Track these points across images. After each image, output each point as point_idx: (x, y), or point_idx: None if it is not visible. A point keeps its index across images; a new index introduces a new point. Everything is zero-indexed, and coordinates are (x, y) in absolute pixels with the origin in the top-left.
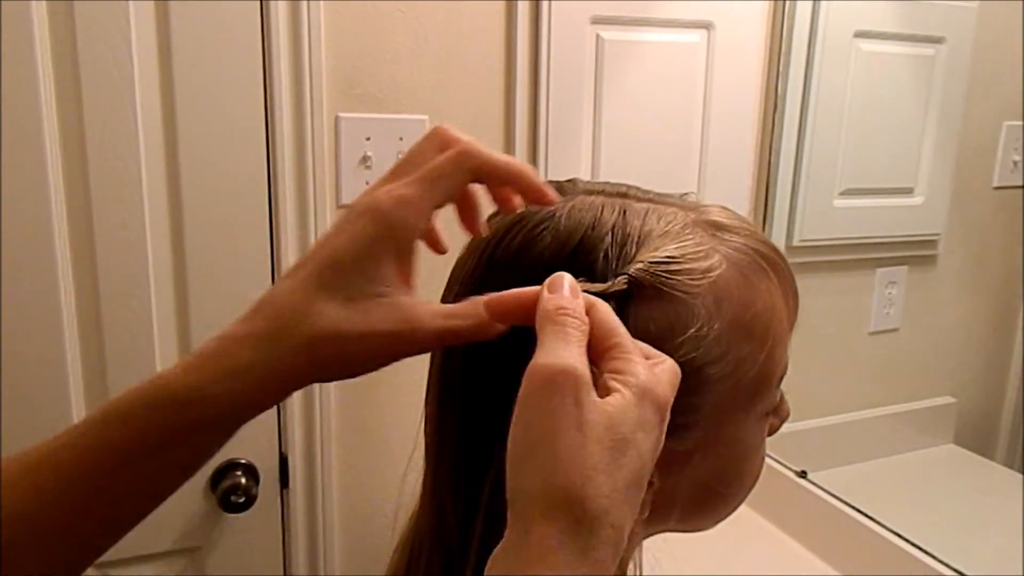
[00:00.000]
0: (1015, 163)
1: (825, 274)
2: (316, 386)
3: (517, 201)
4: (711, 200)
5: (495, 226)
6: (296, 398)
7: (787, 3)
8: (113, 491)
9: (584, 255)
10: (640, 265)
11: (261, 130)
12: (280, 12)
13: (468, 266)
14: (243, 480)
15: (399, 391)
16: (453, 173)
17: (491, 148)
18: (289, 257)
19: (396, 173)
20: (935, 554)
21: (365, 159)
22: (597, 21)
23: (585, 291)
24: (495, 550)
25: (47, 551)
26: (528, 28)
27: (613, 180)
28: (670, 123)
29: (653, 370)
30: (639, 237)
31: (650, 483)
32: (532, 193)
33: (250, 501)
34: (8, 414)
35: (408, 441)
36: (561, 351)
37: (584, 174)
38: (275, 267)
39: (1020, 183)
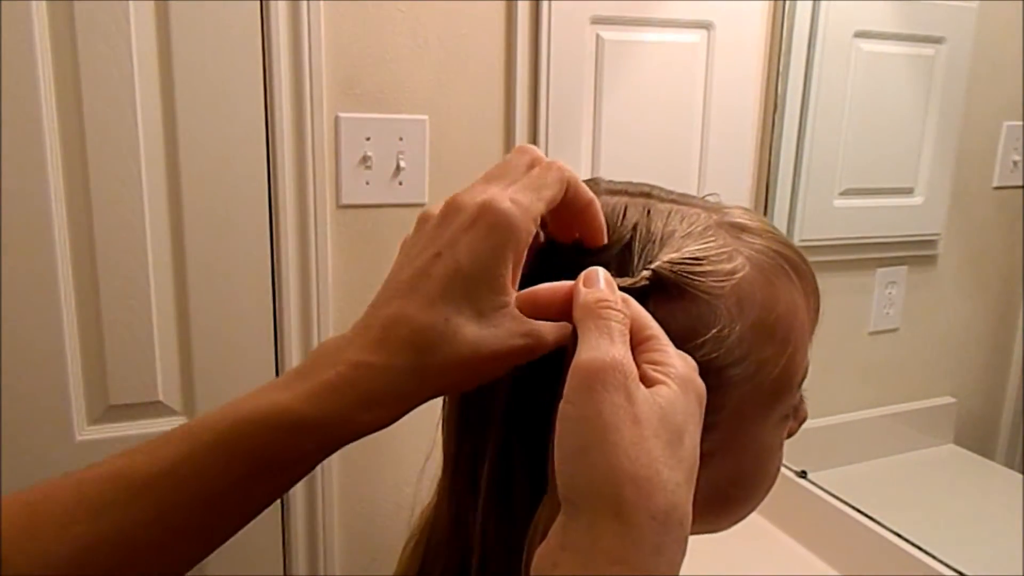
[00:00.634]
0: (1015, 163)
1: (825, 274)
2: None
3: (573, 235)
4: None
5: None
6: None
7: (787, 3)
8: (223, 511)
9: (607, 254)
10: (664, 263)
11: (261, 130)
12: (280, 12)
13: None
14: None
15: None
16: (553, 184)
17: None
18: (289, 257)
19: (489, 180)
20: (935, 554)
21: (365, 159)
22: (597, 21)
23: None
24: (546, 547)
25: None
26: (528, 28)
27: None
28: (670, 123)
29: (688, 361)
30: (662, 237)
31: None
32: (591, 230)
33: None
34: (8, 414)
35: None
36: (606, 345)
37: (584, 174)
38: (275, 267)
39: (1020, 183)
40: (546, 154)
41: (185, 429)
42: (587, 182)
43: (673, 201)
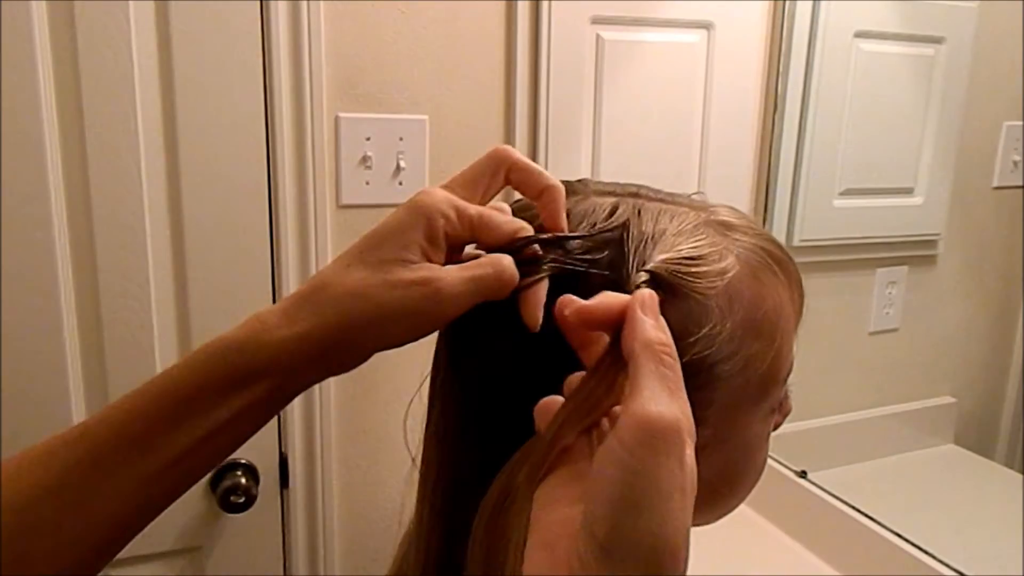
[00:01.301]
0: (1015, 163)
1: (825, 274)
2: (316, 387)
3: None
4: (719, 202)
5: None
6: (296, 398)
7: (787, 3)
8: (153, 455)
9: (602, 253)
10: (660, 263)
11: (261, 130)
12: (280, 12)
13: None
14: (243, 480)
15: (399, 391)
16: (485, 168)
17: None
18: (289, 257)
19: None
20: (935, 554)
21: (365, 159)
22: (597, 21)
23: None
24: (568, 568)
25: (65, 536)
26: (528, 28)
27: (615, 181)
28: (670, 123)
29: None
30: (654, 235)
31: None
32: (548, 215)
33: (250, 501)
34: (8, 414)
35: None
36: (668, 400)
37: (584, 174)
38: (275, 267)
39: (1020, 183)
40: (546, 154)
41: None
42: (576, 183)
43: (661, 200)
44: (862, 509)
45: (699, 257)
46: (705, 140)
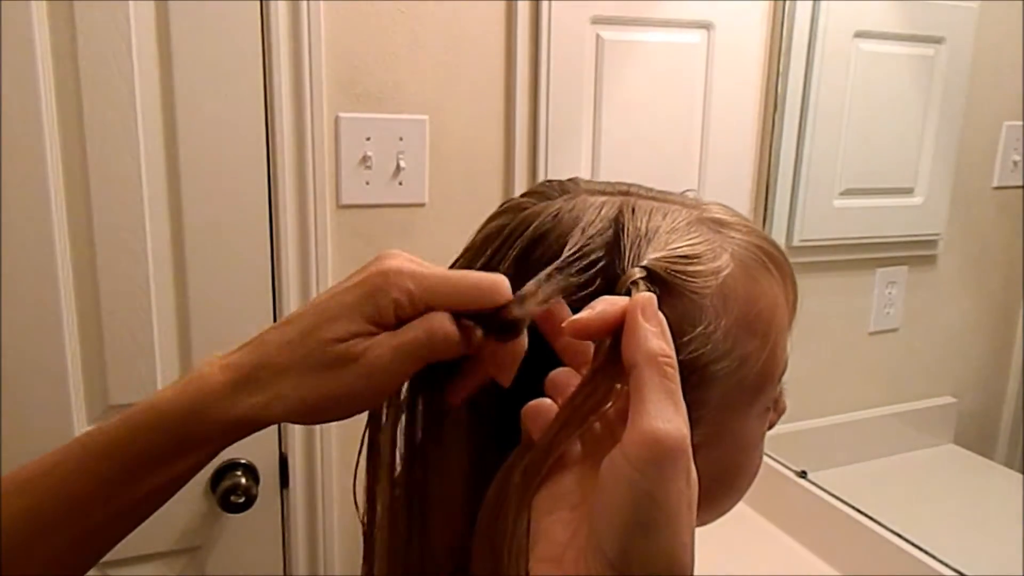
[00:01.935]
0: (1015, 163)
1: (825, 274)
2: None
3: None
4: (711, 200)
5: (502, 227)
6: None
7: (787, 3)
8: (91, 509)
9: (596, 253)
10: (655, 260)
11: (261, 130)
12: (280, 12)
13: (474, 268)
14: (243, 480)
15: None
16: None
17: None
18: (289, 256)
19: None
20: (935, 554)
21: (365, 159)
22: (597, 21)
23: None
24: None
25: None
26: (528, 28)
27: (612, 180)
28: (670, 123)
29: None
30: (647, 233)
31: None
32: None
33: (250, 501)
34: (8, 415)
35: None
36: (673, 414)
37: (584, 174)
38: (275, 266)
39: (1020, 183)
40: (546, 154)
41: (87, 434)
42: (566, 182)
43: (653, 198)
44: (862, 509)
45: (694, 256)
46: (705, 140)
